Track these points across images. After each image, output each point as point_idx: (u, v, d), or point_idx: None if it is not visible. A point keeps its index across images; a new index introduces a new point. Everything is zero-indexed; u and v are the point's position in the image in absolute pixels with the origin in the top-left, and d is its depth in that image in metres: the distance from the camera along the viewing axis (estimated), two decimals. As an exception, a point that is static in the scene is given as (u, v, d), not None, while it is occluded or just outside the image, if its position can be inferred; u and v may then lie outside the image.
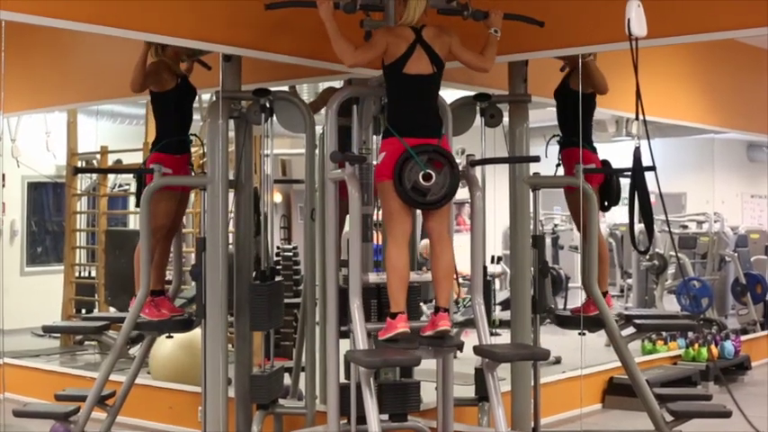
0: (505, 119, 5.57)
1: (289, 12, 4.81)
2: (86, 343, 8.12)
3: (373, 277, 4.60)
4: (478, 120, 5.50)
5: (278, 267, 7.25)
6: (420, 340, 4.40)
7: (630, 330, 5.68)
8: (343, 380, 4.69)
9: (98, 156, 8.54)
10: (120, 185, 9.13)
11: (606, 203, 5.66)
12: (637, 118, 4.01)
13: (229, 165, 5.24)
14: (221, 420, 5.08)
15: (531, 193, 5.50)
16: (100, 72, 6.67)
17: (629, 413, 6.56)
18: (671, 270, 9.56)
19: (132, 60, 5.21)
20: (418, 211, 4.59)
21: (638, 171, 4.32)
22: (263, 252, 5.30)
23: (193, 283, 5.63)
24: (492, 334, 4.58)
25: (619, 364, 5.70)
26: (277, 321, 5.35)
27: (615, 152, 5.93)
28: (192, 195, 6.17)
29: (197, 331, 5.34)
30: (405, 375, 5.34)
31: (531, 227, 5.54)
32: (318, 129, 5.48)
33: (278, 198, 11.16)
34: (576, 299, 7.45)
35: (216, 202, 5.08)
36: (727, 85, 8.23)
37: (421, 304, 5.67)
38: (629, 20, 4.07)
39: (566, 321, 5.73)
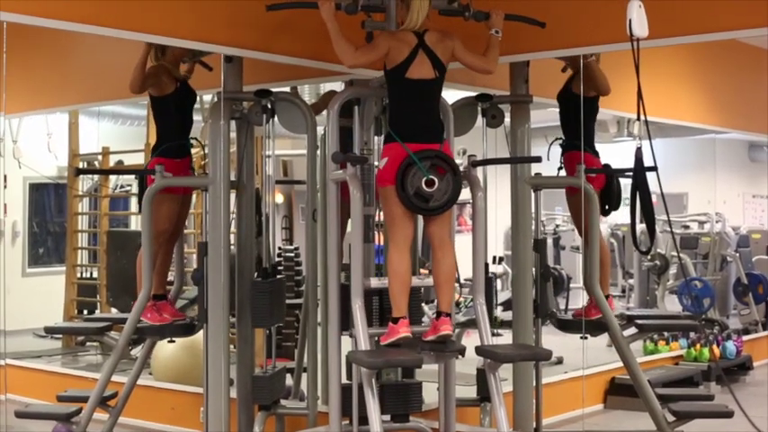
0: (507, 119, 5.58)
1: (290, 13, 4.81)
2: (88, 344, 8.13)
3: (375, 282, 4.60)
4: (480, 120, 5.51)
5: (279, 268, 7.26)
6: (422, 345, 4.40)
7: (632, 331, 5.68)
8: (344, 380, 4.69)
9: (99, 157, 8.55)
10: (122, 186, 9.14)
11: (607, 207, 5.65)
12: (638, 118, 4.01)
13: (231, 166, 5.24)
14: (223, 421, 5.08)
15: (533, 194, 5.50)
16: (101, 73, 6.67)
17: (631, 413, 6.57)
18: (672, 270, 9.57)
19: (133, 61, 5.20)
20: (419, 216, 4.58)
21: (639, 171, 4.32)
22: (264, 253, 5.30)
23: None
24: (493, 334, 4.58)
25: (620, 364, 5.70)
26: (279, 318, 5.35)
27: (617, 152, 5.92)
28: (194, 196, 6.17)
29: (199, 332, 5.34)
30: (406, 376, 5.34)
31: (533, 232, 5.53)
32: (320, 129, 5.48)
33: (279, 199, 11.17)
34: (578, 299, 7.45)
35: (218, 203, 5.08)
36: (729, 86, 8.23)
37: (423, 305, 5.67)
38: (630, 20, 4.07)
39: (567, 325, 5.73)
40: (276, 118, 5.27)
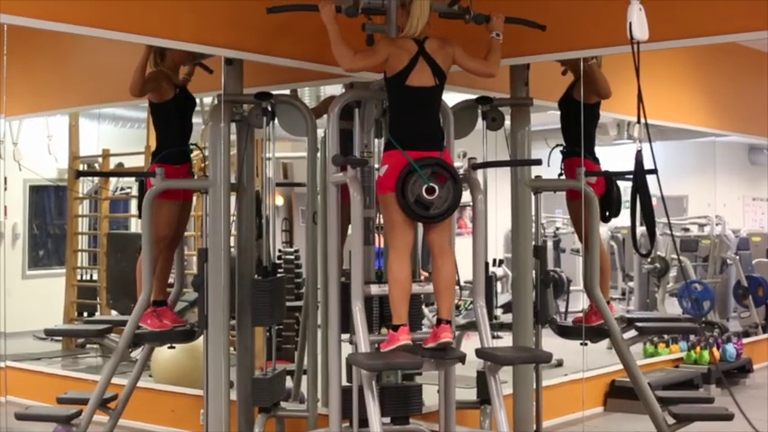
0: (507, 122, 5.58)
1: (291, 15, 4.82)
2: (88, 346, 8.13)
3: (375, 289, 4.60)
4: (480, 123, 5.51)
5: (279, 270, 7.25)
6: (422, 352, 4.39)
7: (632, 333, 5.68)
8: (345, 383, 4.69)
9: (100, 159, 8.55)
10: (122, 189, 9.14)
11: (608, 214, 5.65)
12: (638, 121, 4.01)
13: (231, 168, 5.24)
14: (223, 423, 5.08)
15: (533, 197, 5.50)
16: (101, 75, 6.67)
17: (631, 416, 6.57)
18: (672, 273, 9.56)
19: (133, 64, 5.21)
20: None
21: (639, 174, 4.32)
22: (264, 255, 5.30)
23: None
24: (494, 337, 4.58)
25: (621, 366, 5.71)
26: (279, 317, 5.35)
27: (617, 155, 5.93)
28: (195, 199, 6.17)
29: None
30: (406, 378, 5.35)
31: (533, 235, 5.53)
32: (320, 132, 5.48)
33: (279, 201, 11.17)
34: (578, 302, 7.45)
35: (218, 206, 5.08)
36: (729, 89, 8.24)
37: (423, 307, 5.68)
38: (630, 23, 4.07)
39: (568, 332, 5.72)
40: (276, 120, 5.28)
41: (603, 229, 7.46)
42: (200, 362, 5.30)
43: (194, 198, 5.98)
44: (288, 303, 5.85)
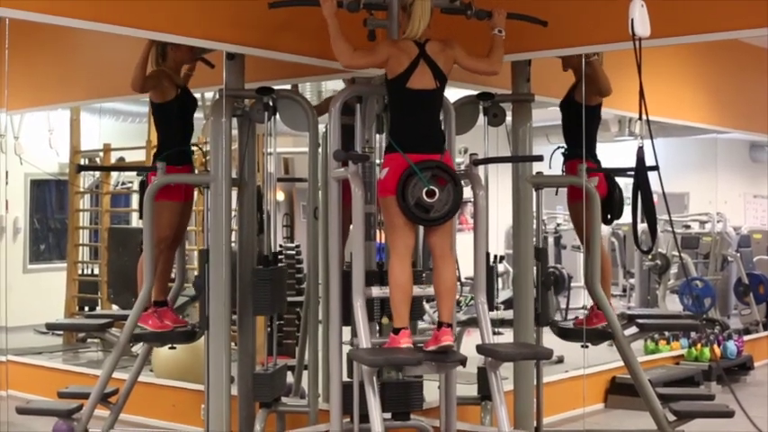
0: (508, 118, 5.57)
1: (292, 10, 4.82)
2: (89, 340, 8.13)
3: (376, 291, 4.60)
4: (481, 119, 5.51)
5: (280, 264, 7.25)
6: (423, 355, 4.39)
7: (633, 330, 5.68)
8: (345, 378, 4.69)
9: (101, 153, 8.55)
10: (123, 183, 9.14)
11: (609, 216, 5.64)
12: (640, 118, 4.01)
13: (232, 163, 5.24)
14: (224, 418, 5.08)
15: (534, 193, 5.50)
16: (103, 70, 6.67)
17: (632, 413, 6.56)
18: (673, 270, 9.56)
19: (135, 58, 5.21)
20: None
21: (641, 171, 4.31)
22: (266, 250, 5.30)
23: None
24: (494, 333, 4.58)
25: (621, 363, 5.70)
26: (280, 307, 5.34)
27: (618, 152, 5.92)
28: (196, 194, 6.17)
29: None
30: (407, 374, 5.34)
31: (534, 236, 5.52)
32: (321, 127, 5.48)
33: (281, 196, 11.15)
34: (579, 298, 7.45)
35: (219, 201, 5.09)
36: (730, 86, 8.23)
37: (424, 303, 5.68)
38: (632, 20, 4.07)
39: (568, 334, 5.71)
40: (278, 115, 5.27)
41: (604, 228, 7.46)
42: (201, 357, 5.30)
43: (195, 195, 5.98)
44: (289, 299, 5.84)
